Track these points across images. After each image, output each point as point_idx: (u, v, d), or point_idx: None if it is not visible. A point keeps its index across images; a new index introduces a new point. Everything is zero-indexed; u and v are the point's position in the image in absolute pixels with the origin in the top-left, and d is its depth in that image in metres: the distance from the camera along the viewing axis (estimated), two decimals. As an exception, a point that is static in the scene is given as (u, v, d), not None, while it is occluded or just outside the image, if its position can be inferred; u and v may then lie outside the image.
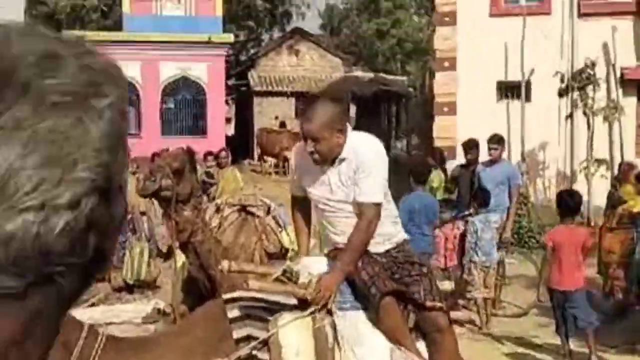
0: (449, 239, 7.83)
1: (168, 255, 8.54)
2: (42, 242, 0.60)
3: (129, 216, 8.73)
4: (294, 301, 3.39)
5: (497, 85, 15.07)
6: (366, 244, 3.47)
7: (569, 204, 6.71)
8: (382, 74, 27.31)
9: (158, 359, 3.31)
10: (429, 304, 3.48)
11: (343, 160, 3.43)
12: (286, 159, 22.69)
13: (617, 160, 13.33)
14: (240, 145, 24.83)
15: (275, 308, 3.39)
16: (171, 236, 5.40)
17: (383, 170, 3.45)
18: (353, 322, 3.44)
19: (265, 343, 3.30)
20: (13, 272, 0.60)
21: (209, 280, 5.36)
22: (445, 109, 15.22)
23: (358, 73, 28.01)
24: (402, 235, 3.74)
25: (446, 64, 15.39)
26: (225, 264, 3.75)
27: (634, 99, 14.45)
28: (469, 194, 8.80)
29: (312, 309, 3.37)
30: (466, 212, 8.16)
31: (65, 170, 0.60)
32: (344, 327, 3.40)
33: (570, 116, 13.63)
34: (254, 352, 3.30)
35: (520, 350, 7.03)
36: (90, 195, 0.61)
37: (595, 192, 12.68)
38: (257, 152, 24.61)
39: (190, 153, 5.33)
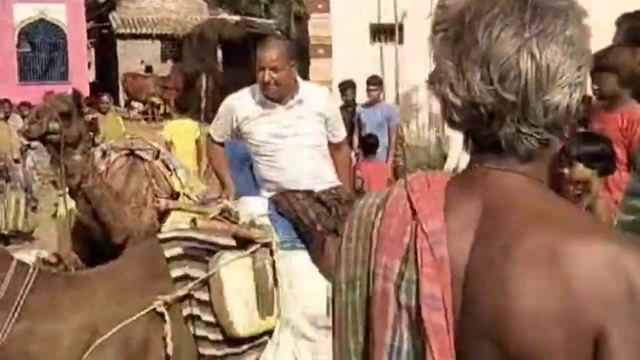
0: None
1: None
2: (569, 110, 1.03)
3: (2, 164, 8.16)
4: (232, 242, 3.27)
5: (371, 27, 15.18)
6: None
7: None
8: (248, 17, 26.80)
9: (90, 296, 3.16)
10: None
11: (300, 101, 3.56)
12: (154, 105, 21.98)
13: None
14: (104, 92, 23.69)
15: (213, 249, 3.27)
16: (60, 182, 5.07)
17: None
18: (293, 262, 3.37)
19: (205, 282, 3.18)
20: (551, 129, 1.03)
21: (102, 227, 5.09)
22: (320, 51, 15.20)
23: (224, 15, 27.33)
24: (337, 180, 3.78)
25: (320, 5, 15.30)
26: (162, 202, 3.59)
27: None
28: (349, 135, 8.84)
29: (252, 248, 3.28)
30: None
31: (579, 60, 1.02)
32: (284, 267, 3.32)
33: (441, 58, 13.97)
34: (192, 292, 3.17)
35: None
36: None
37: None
38: (123, 98, 23.62)
39: (77, 96, 5.01)
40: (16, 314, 2.97)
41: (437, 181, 1.12)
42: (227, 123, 3.74)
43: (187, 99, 19.40)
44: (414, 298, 1.04)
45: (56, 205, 8.08)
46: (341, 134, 3.80)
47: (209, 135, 3.94)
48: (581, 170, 3.27)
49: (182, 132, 8.42)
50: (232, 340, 3.19)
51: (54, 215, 8.71)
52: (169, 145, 7.80)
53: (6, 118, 9.83)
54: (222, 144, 3.90)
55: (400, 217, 1.09)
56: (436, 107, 14.95)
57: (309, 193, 3.50)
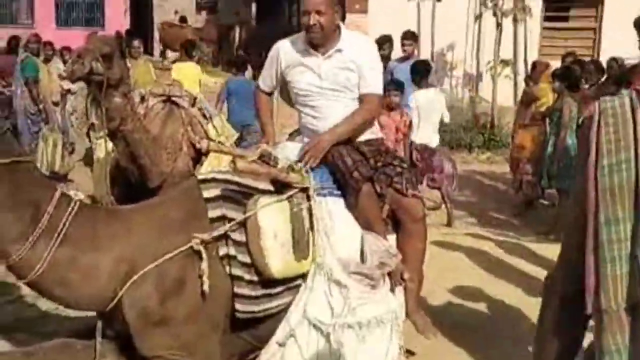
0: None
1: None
2: None
3: (41, 106, 8.22)
4: (270, 186, 3.28)
5: (409, -18, 14.90)
6: (362, 127, 3.53)
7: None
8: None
9: (129, 230, 3.21)
10: (410, 192, 3.47)
11: (339, 51, 3.50)
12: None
13: (522, 61, 13.65)
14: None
15: (251, 192, 3.28)
16: (100, 125, 5.11)
17: (380, 65, 3.64)
18: (329, 208, 3.37)
19: (242, 224, 3.21)
20: None
21: (139, 170, 5.14)
22: (357, 7, 14.98)
23: (260, -32, 27.01)
24: (380, 133, 3.75)
25: (357, -40, 15.04)
26: (204, 143, 3.62)
27: (539, 1, 14.72)
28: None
29: (290, 192, 3.29)
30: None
31: None
32: (320, 213, 3.33)
33: (479, 17, 13.74)
34: (229, 233, 3.21)
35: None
36: None
37: (500, 92, 13.00)
38: (158, 47, 23.58)
39: (119, 38, 5.04)
40: (58, 242, 3.04)
41: None
42: (272, 72, 3.73)
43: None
44: None
45: (90, 149, 8.18)
46: (371, 88, 3.51)
47: (257, 86, 3.90)
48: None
49: (187, 72, 8.70)
50: (267, 282, 3.22)
51: (86, 161, 8.83)
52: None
53: (47, 61, 9.84)
54: (268, 93, 3.87)
55: None
56: (470, 66, 14.76)
57: (348, 141, 3.49)
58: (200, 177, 3.41)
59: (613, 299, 2.68)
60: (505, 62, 13.52)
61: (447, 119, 8.24)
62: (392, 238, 3.52)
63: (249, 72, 9.84)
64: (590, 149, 2.58)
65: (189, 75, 8.70)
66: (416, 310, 3.54)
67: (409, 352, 3.45)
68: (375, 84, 3.54)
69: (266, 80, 3.81)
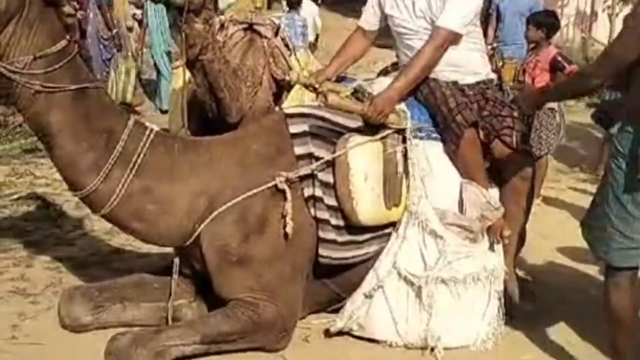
0: None
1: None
2: None
3: (115, 31, 8.29)
4: (363, 125, 3.24)
5: None
6: (427, 69, 3.34)
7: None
8: None
9: (210, 163, 3.25)
10: (521, 146, 3.37)
11: None
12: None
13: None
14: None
15: (342, 130, 3.25)
16: (180, 52, 5.14)
17: (472, 3, 3.37)
18: (426, 152, 3.32)
19: (330, 164, 3.20)
20: None
21: (217, 103, 5.17)
22: None
23: None
24: (491, 74, 3.58)
25: None
26: (294, 75, 3.59)
27: None
28: (484, 27, 8.50)
29: (384, 133, 3.24)
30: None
31: None
32: (416, 157, 3.28)
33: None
34: (316, 172, 3.20)
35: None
36: None
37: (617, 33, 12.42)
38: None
39: (200, -41, 4.98)
40: (133, 172, 3.09)
41: None
42: (372, 9, 3.62)
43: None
44: None
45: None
46: (442, 20, 3.28)
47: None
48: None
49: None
50: (355, 228, 3.21)
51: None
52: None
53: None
54: (361, 31, 3.70)
55: None
56: (584, 2, 14.15)
57: (453, 83, 3.38)
58: (286, 111, 3.39)
59: None
60: (625, 1, 12.90)
61: None
62: (494, 192, 3.42)
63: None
64: None
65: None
66: (513, 275, 3.46)
67: (508, 315, 3.38)
68: (449, 17, 3.28)
69: (367, 13, 3.67)
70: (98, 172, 3.05)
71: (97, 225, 4.66)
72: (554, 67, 5.70)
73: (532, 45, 6.07)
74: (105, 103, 3.22)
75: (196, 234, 3.12)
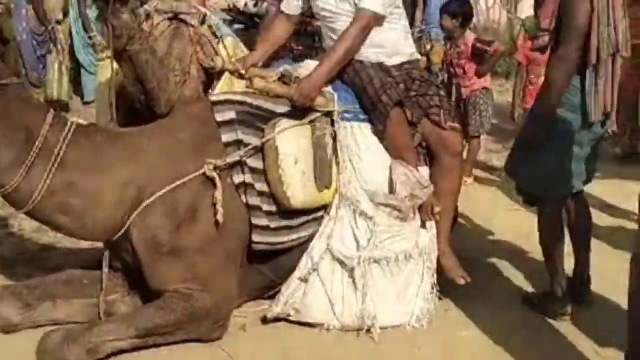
0: None
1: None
2: None
3: (51, 27, 8.11)
4: (290, 109, 3.26)
5: None
6: (352, 52, 3.37)
7: None
8: None
9: (136, 154, 3.22)
10: (449, 124, 3.42)
11: None
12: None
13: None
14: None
15: (269, 115, 3.26)
16: (107, 44, 5.06)
17: None
18: (355, 134, 3.36)
19: (259, 150, 3.21)
20: None
21: (146, 95, 5.10)
22: None
23: None
24: (416, 55, 3.62)
25: None
26: (219, 61, 3.58)
27: None
28: (411, 10, 8.58)
29: (312, 116, 3.27)
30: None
31: None
32: (345, 139, 3.32)
33: None
34: (245, 159, 3.20)
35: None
36: None
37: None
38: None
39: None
40: (55, 167, 3.04)
41: None
42: None
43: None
44: None
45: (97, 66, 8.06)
46: (367, 2, 3.30)
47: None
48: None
49: None
50: (287, 213, 3.24)
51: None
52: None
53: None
54: (284, 17, 3.73)
55: None
56: (511, -16, 14.36)
57: (379, 64, 3.43)
58: (213, 98, 3.38)
59: None
60: (550, -20, 13.17)
61: None
62: (424, 170, 3.48)
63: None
64: None
65: None
66: (446, 251, 3.52)
67: (442, 293, 3.44)
68: (370, 1, 3.31)
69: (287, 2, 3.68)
70: (19, 169, 3.00)
71: (24, 224, 4.57)
72: (476, 54, 5.80)
73: (446, 35, 6.09)
74: (24, 99, 3.16)
75: (126, 226, 3.10)
